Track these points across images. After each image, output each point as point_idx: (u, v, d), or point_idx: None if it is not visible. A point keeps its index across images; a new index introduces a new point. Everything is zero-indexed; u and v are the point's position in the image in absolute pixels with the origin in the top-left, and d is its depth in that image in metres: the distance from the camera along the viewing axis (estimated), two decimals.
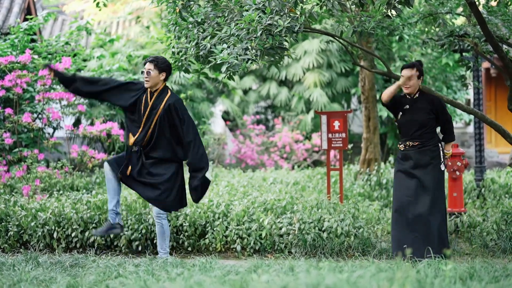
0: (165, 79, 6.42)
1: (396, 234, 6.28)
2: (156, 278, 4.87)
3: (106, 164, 6.39)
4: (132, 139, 6.35)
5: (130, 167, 6.34)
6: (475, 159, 9.58)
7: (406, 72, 6.36)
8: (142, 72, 6.35)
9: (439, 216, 6.25)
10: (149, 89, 6.37)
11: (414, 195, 6.25)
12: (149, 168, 6.34)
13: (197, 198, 6.43)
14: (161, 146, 6.34)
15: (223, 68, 5.63)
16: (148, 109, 6.30)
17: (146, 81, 6.33)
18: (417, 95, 6.44)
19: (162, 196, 6.27)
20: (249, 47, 5.60)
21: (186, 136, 6.29)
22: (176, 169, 6.40)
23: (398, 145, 6.50)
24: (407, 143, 6.40)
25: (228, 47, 5.70)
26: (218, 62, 5.60)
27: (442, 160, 6.37)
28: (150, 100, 6.31)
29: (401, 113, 6.46)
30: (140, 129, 6.33)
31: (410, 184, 6.30)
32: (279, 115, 16.31)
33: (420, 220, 6.19)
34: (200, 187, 6.34)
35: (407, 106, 6.42)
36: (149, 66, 6.32)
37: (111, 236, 7.01)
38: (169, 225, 6.98)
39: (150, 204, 6.94)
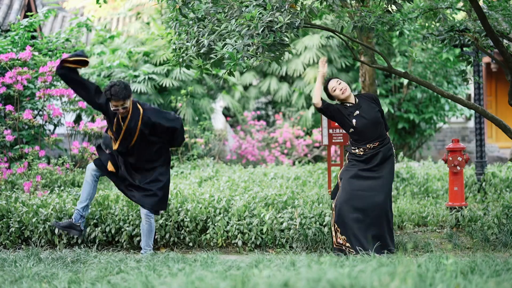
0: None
1: (356, 232, 6.15)
2: (157, 274, 4.88)
3: (92, 166, 6.46)
4: (115, 146, 6.49)
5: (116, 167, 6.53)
6: (475, 154, 9.57)
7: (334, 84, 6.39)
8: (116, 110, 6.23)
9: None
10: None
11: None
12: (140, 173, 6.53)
13: None
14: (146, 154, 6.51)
15: (226, 64, 5.62)
16: (123, 132, 6.38)
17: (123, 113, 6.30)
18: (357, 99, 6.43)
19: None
20: (250, 44, 5.60)
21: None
22: (169, 174, 6.60)
23: (352, 150, 6.39)
24: (367, 146, 6.32)
25: (231, 43, 5.68)
26: (224, 57, 5.59)
27: None
28: (124, 123, 6.36)
29: (354, 120, 6.32)
30: (118, 143, 6.44)
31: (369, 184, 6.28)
32: (279, 111, 16.30)
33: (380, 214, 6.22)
34: None
35: (357, 112, 6.34)
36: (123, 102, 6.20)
37: (112, 231, 7.02)
38: (170, 221, 7.01)
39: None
